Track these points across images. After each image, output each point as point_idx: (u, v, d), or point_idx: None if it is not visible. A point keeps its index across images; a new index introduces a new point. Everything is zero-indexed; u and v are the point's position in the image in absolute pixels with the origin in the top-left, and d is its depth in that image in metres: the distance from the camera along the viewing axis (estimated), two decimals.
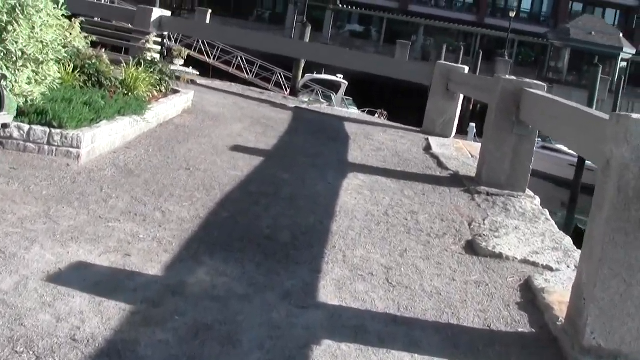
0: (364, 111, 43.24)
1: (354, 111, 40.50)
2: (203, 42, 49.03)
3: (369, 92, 46.64)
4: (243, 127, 11.40)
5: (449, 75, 14.68)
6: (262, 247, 5.84)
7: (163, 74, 11.75)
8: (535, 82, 9.85)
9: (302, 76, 42.09)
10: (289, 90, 42.49)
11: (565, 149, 39.60)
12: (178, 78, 12.73)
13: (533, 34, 65.41)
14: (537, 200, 9.66)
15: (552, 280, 6.27)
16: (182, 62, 45.27)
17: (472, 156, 12.31)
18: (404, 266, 6.03)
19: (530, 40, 65.91)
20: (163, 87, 11.62)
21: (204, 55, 51.41)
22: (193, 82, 16.59)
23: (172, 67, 39.10)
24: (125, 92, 10.13)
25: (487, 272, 6.28)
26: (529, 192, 9.93)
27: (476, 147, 13.61)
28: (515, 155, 9.81)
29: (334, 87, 45.17)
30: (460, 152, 12.63)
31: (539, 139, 38.76)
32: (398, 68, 16.33)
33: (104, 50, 11.51)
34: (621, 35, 59.93)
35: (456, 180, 10.03)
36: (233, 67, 51.91)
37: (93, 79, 9.72)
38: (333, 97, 43.15)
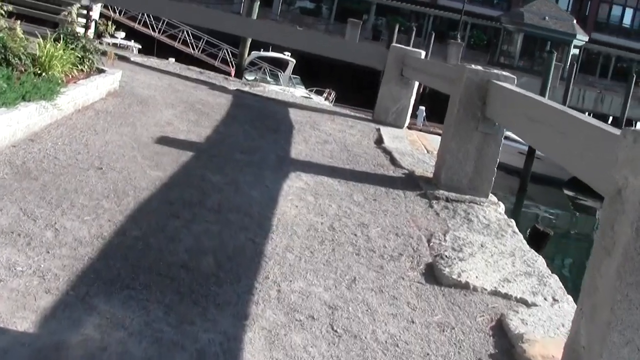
0: (311, 90, 42.17)
1: (300, 92, 39.37)
2: (148, 15, 47.51)
3: (318, 71, 45.49)
4: (175, 114, 10.14)
5: (404, 60, 13.56)
6: (175, 281, 4.64)
7: (87, 51, 10.42)
8: (504, 73, 8.78)
9: (249, 53, 40.59)
10: (234, 68, 41.16)
11: (514, 136, 38.89)
12: (105, 54, 11.37)
13: (486, 16, 64.94)
14: (502, 207, 8.65)
15: (530, 321, 5.20)
16: (123, 35, 43.58)
17: (427, 151, 11.23)
18: (353, 303, 4.90)
19: (483, 23, 65.39)
20: (86, 66, 10.30)
21: (148, 28, 49.78)
22: (126, 59, 15.24)
23: (111, 41, 37.49)
24: (39, 71, 8.81)
25: (452, 309, 5.19)
26: (492, 197, 8.89)
27: (430, 139, 12.54)
28: (479, 155, 8.77)
29: (282, 65, 43.93)
30: (415, 146, 11.54)
31: None
32: (350, 51, 15.12)
33: (19, 22, 10.14)
34: (574, 21, 59.56)
35: (411, 182, 8.94)
36: (179, 42, 50.50)
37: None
38: (280, 76, 41.95)
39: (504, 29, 61.87)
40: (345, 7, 63.34)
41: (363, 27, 56.11)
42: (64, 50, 9.63)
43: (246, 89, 14.60)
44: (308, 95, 39.78)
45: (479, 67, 8.89)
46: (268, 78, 42.24)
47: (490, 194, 8.95)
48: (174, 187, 6.66)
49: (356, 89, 45.68)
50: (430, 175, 9.36)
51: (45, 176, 6.20)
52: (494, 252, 6.77)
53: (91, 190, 6.09)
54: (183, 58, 49.09)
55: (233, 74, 37.44)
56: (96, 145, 7.57)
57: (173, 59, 48.16)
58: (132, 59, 15.46)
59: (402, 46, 14.19)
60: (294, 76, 42.24)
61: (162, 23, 48.70)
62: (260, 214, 6.42)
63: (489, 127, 8.69)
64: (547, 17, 58.81)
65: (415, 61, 13.07)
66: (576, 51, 60.17)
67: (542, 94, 33.53)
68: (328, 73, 45.10)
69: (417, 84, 13.88)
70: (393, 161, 10.02)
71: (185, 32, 48.46)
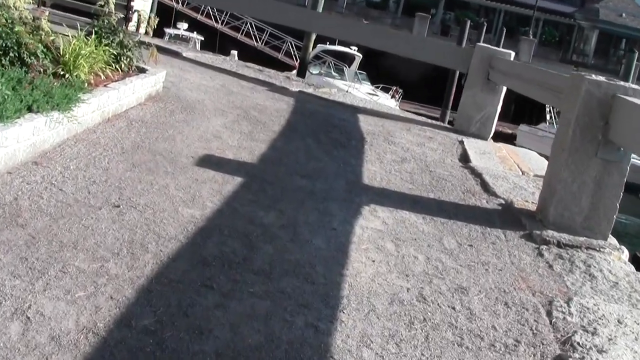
0: (377, 87, 40.37)
1: (366, 89, 37.60)
2: (211, 6, 46.24)
3: (384, 66, 43.63)
4: (225, 124, 8.53)
5: (490, 61, 11.76)
6: None
7: (124, 48, 8.85)
8: (633, 86, 6.95)
9: (314, 46, 38.92)
10: (298, 61, 39.54)
11: None
12: (146, 45, 9.81)
13: (558, 12, 62.38)
14: (625, 253, 6.89)
15: None
16: (186, 26, 42.33)
17: (522, 172, 9.44)
18: None
19: (555, 19, 62.87)
20: (123, 65, 8.74)
21: (211, 19, 48.52)
22: (177, 54, 13.69)
23: (174, 32, 36.21)
24: (62, 72, 7.27)
25: None
26: (611, 239, 7.13)
27: (523, 156, 10.75)
28: (597, 188, 7.01)
29: (347, 59, 42.15)
30: (507, 165, 9.75)
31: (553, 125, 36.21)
32: (428, 50, 13.33)
33: (47, 12, 8.61)
34: None
35: (511, 217, 7.20)
36: (242, 34, 49.15)
37: (11, 54, 6.84)
38: (345, 71, 40.24)
39: (578, 26, 59.40)
40: (412, 0, 61.36)
41: (431, 21, 54.12)
42: (96, 46, 8.08)
43: (310, 90, 12.93)
44: (374, 93, 38.01)
45: (601, 78, 7.09)
46: (333, 72, 40.56)
47: (610, 236, 7.19)
48: (211, 235, 5.01)
49: (423, 84, 43.82)
50: (533, 207, 7.61)
51: (38, 220, 4.60)
52: (638, 332, 5.02)
53: (97, 243, 4.47)
54: (246, 51, 47.83)
55: (297, 67, 35.85)
56: (119, 169, 5.96)
57: (235, 52, 46.94)
58: (184, 54, 13.91)
59: (489, 46, 12.39)
60: (360, 72, 40.42)
61: (225, 14, 47.41)
62: (326, 277, 4.74)
63: (612, 153, 6.91)
64: (623, 14, 56.20)
65: (505, 64, 11.26)
66: None
67: None
68: (394, 68, 43.21)
69: (504, 89, 12.07)
70: (485, 187, 8.26)
71: (248, 23, 47.09)
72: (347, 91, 35.93)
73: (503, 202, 7.73)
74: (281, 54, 47.71)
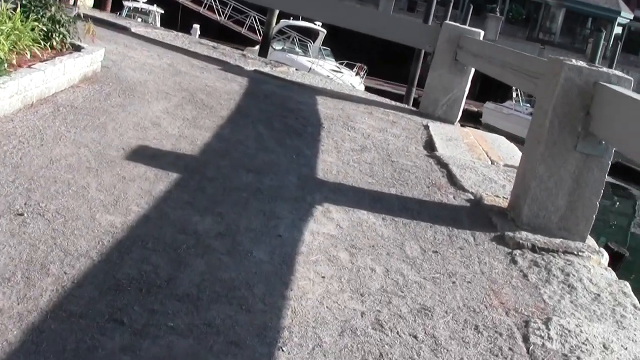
0: (342, 64, 39.56)
1: (330, 65, 36.74)
2: None
3: (349, 43, 42.78)
4: (167, 109, 7.73)
5: (459, 41, 11.03)
6: None
7: (56, 23, 8.00)
8: (617, 73, 6.26)
9: (278, 22, 37.99)
10: (262, 36, 38.61)
11: None
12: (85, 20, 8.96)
13: None
14: (605, 257, 6.23)
15: None
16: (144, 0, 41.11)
17: (492, 162, 8.74)
18: None
19: None
20: (54, 43, 7.89)
21: None
22: (125, 29, 12.81)
23: (132, 4, 35.06)
24: None
25: None
26: (590, 241, 6.48)
27: (492, 142, 10.06)
28: (576, 184, 6.32)
29: (312, 35, 41.26)
30: (475, 154, 9.04)
31: (527, 104, 35.79)
32: (393, 28, 12.53)
33: None
34: None
35: (480, 215, 6.52)
36: (204, 7, 48.07)
37: None
38: (309, 47, 39.36)
39: (544, 4, 58.86)
40: None
41: None
42: (22, 22, 7.24)
43: (266, 69, 12.12)
44: (338, 69, 37.24)
45: (582, 63, 6.38)
46: (297, 48, 39.70)
47: (589, 236, 6.54)
48: (131, 249, 4.24)
49: (388, 61, 43.02)
50: (504, 203, 6.93)
51: None
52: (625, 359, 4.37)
53: None
54: (209, 25, 46.73)
55: (261, 43, 34.90)
56: (33, 167, 5.16)
57: (198, 26, 45.83)
58: (133, 29, 13.02)
59: (457, 24, 11.64)
60: (324, 48, 39.55)
61: None
62: (266, 302, 3.99)
63: (593, 147, 6.23)
64: None
65: (475, 44, 10.53)
66: (619, 29, 57.17)
67: None
68: (359, 44, 42.38)
69: (473, 70, 11.36)
70: (451, 179, 7.55)
71: None
72: (310, 68, 35.21)
73: (472, 197, 7.03)
74: (244, 28, 46.77)
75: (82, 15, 9.46)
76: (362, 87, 37.28)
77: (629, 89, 6.13)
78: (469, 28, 11.31)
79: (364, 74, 38.95)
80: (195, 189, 5.53)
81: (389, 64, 42.94)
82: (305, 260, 4.67)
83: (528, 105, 36.79)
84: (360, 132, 8.88)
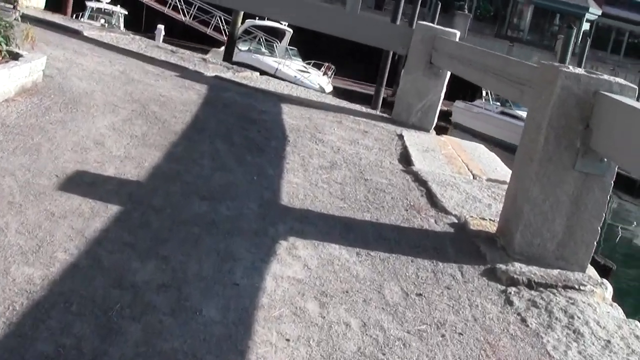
0: (309, 63, 38.77)
1: (297, 65, 35.91)
2: None
3: (316, 42, 42.01)
4: (114, 124, 6.89)
5: (434, 42, 10.28)
6: None
7: None
8: (619, 81, 5.53)
9: (243, 21, 37.13)
10: (227, 37, 37.77)
11: (524, 114, 35.55)
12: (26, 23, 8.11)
13: None
14: (609, 289, 5.51)
15: None
16: (108, 0, 40.10)
17: (473, 176, 7.99)
18: None
19: None
20: None
21: None
22: (78, 33, 11.93)
23: (95, 5, 34.03)
24: None
25: None
26: (590, 270, 5.77)
27: (471, 152, 9.32)
28: (575, 207, 5.58)
29: (278, 34, 40.40)
30: (455, 167, 8.29)
31: (497, 103, 35.26)
32: (362, 29, 11.73)
33: None
34: None
35: (467, 244, 5.76)
36: (169, 8, 47.17)
37: None
38: (276, 47, 38.55)
39: (512, 1, 58.52)
40: None
41: None
42: None
43: (228, 75, 11.29)
44: (305, 69, 36.47)
45: (580, 70, 5.63)
46: (263, 49, 38.87)
47: (589, 266, 5.82)
48: (50, 314, 3.42)
49: (357, 59, 42.25)
50: (492, 227, 6.19)
51: None
52: None
53: None
54: (174, 25, 45.73)
55: (226, 43, 34.03)
56: None
57: (162, 27, 44.82)
58: (85, 33, 12.14)
59: (432, 25, 10.87)
60: (291, 47, 38.73)
61: None
62: None
63: (593, 165, 5.50)
64: None
65: (451, 46, 9.77)
66: (587, 25, 56.92)
67: None
68: (327, 43, 41.62)
69: (448, 74, 10.61)
70: (432, 199, 6.80)
71: None
72: (277, 69, 34.38)
73: (455, 220, 6.28)
74: (210, 28, 45.91)
75: (19, 18, 8.57)
76: (330, 87, 36.56)
77: (634, 99, 5.40)
78: (444, 29, 10.55)
79: (332, 74, 38.22)
80: (138, 225, 4.71)
81: (358, 63, 42.19)
82: (266, 316, 3.88)
83: (498, 104, 36.25)
84: (329, 145, 8.09)
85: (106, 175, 5.54)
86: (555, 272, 5.46)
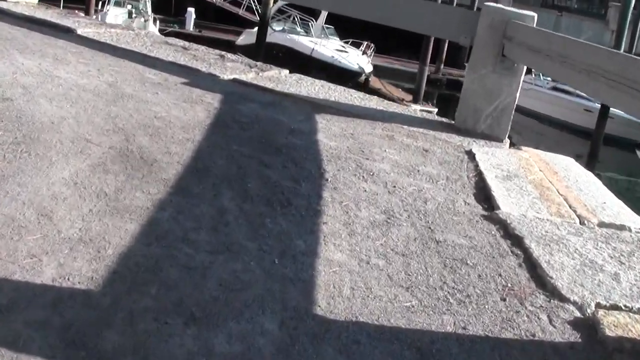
0: (347, 42, 36.56)
1: (334, 45, 33.68)
2: None
3: (354, 19, 39.73)
4: (77, 174, 4.84)
5: (506, 29, 8.08)
6: None
7: None
8: None
9: (276, 0, 34.95)
10: (259, 17, 35.66)
11: (579, 92, 33.17)
12: None
13: None
14: None
15: None
16: None
17: (580, 221, 5.81)
18: None
19: None
20: None
21: None
22: (69, 32, 9.91)
23: None
24: None
25: None
26: None
27: (563, 174, 7.12)
28: None
29: (314, 13, 38.14)
30: (551, 203, 6.13)
31: (548, 78, 32.74)
32: (414, 16, 9.51)
33: None
34: None
35: None
36: None
37: None
38: (311, 26, 36.38)
39: None
40: None
41: None
42: None
43: (249, 76, 9.15)
44: (343, 49, 34.30)
45: None
46: (298, 28, 36.75)
47: None
48: None
49: (397, 35, 39.94)
50: (635, 327, 4.01)
51: None
52: None
53: None
54: (205, 8, 43.75)
55: (258, 25, 31.89)
56: None
57: (192, 10, 42.83)
58: (79, 31, 10.09)
59: (503, 6, 8.59)
60: (327, 26, 36.51)
61: None
62: None
63: None
64: None
65: (535, 36, 7.54)
66: None
67: (617, 46, 27.98)
68: (365, 23, 39.37)
69: (524, 68, 8.41)
70: (535, 272, 4.68)
71: None
72: (313, 50, 32.19)
73: (577, 313, 4.16)
74: (242, 9, 43.99)
75: None
76: (370, 67, 34.34)
77: None
78: (518, 11, 8.31)
79: (372, 53, 35.96)
80: None
81: (398, 39, 39.73)
82: None
83: (549, 79, 33.87)
84: (381, 179, 5.97)
85: (38, 284, 3.47)
86: None
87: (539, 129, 34.66)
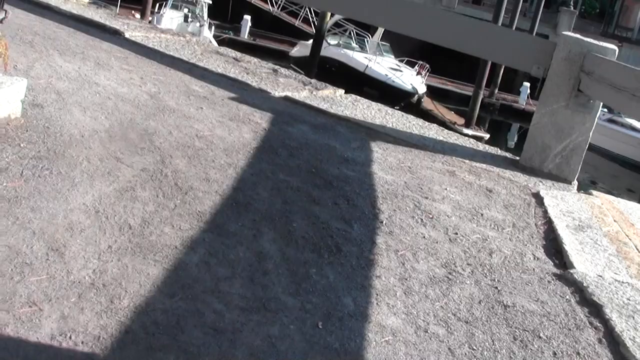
0: (402, 60, 35.90)
1: (389, 63, 33.01)
2: None
3: (409, 37, 39.06)
4: (100, 200, 4.25)
5: (584, 63, 7.39)
6: None
7: None
8: None
9: (333, 14, 34.35)
10: (315, 31, 35.19)
11: (636, 123, 32.22)
12: None
13: None
14: None
15: None
16: None
17: None
18: None
19: None
20: None
21: None
22: (117, 35, 9.39)
23: None
24: None
25: None
26: None
27: (637, 223, 6.37)
28: None
29: (370, 28, 37.51)
30: (630, 262, 5.43)
31: (604, 110, 31.76)
32: (481, 41, 8.80)
33: None
34: None
35: None
36: None
37: None
38: (367, 42, 35.74)
39: None
40: None
41: None
42: None
43: (303, 95, 8.55)
44: (398, 67, 33.60)
45: None
46: (353, 43, 36.12)
47: None
48: None
49: (451, 56, 39.22)
50: None
51: None
52: None
53: None
54: (261, 16, 43.38)
55: (313, 39, 31.36)
56: None
57: (248, 18, 42.43)
58: (126, 34, 9.57)
59: (582, 37, 7.89)
60: (383, 43, 35.84)
61: None
62: None
63: None
64: None
65: (618, 72, 6.84)
66: None
67: None
68: (420, 42, 38.67)
69: (600, 105, 7.70)
70: (616, 351, 3.96)
71: None
72: (367, 66, 31.56)
73: None
74: (299, 20, 43.53)
75: (2, 20, 6.02)
76: (424, 88, 33.61)
77: None
78: (599, 43, 7.62)
79: (426, 74, 35.21)
80: None
81: (452, 60, 38.97)
82: None
83: (605, 110, 32.90)
84: (441, 223, 5.31)
85: (32, 342, 2.88)
86: None
87: (593, 162, 33.75)
